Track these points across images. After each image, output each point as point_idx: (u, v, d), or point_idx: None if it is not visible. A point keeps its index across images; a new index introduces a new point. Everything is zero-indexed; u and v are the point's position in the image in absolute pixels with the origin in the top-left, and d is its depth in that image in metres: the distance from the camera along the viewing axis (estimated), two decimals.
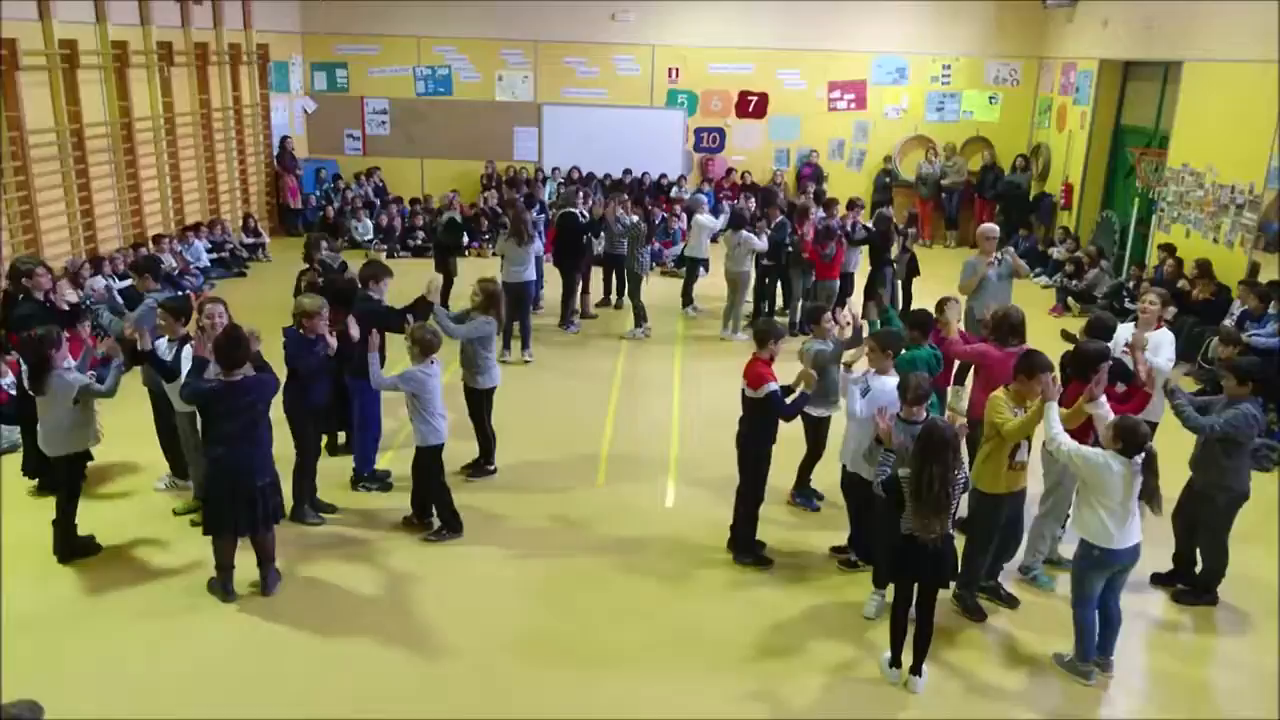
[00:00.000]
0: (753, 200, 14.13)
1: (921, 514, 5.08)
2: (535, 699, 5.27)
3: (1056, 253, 15.15)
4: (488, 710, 5.18)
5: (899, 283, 12.08)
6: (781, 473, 7.01)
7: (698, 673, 5.51)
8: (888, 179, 17.90)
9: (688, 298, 12.89)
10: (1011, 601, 6.24)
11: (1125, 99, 15.44)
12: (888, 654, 5.50)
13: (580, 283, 12.33)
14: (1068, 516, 6.43)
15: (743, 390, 6.45)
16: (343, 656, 5.56)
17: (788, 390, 6.41)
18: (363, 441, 7.65)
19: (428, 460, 6.76)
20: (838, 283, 11.65)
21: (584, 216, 12.01)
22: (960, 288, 9.30)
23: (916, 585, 5.32)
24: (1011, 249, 10.26)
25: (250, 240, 15.38)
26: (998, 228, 10.19)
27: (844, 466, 6.50)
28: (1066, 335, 10.84)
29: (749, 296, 12.19)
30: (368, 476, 7.63)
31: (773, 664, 5.60)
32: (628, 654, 5.67)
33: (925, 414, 5.65)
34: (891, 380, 6.14)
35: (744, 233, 11.54)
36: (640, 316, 11.94)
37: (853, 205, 12.65)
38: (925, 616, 5.35)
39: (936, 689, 5.43)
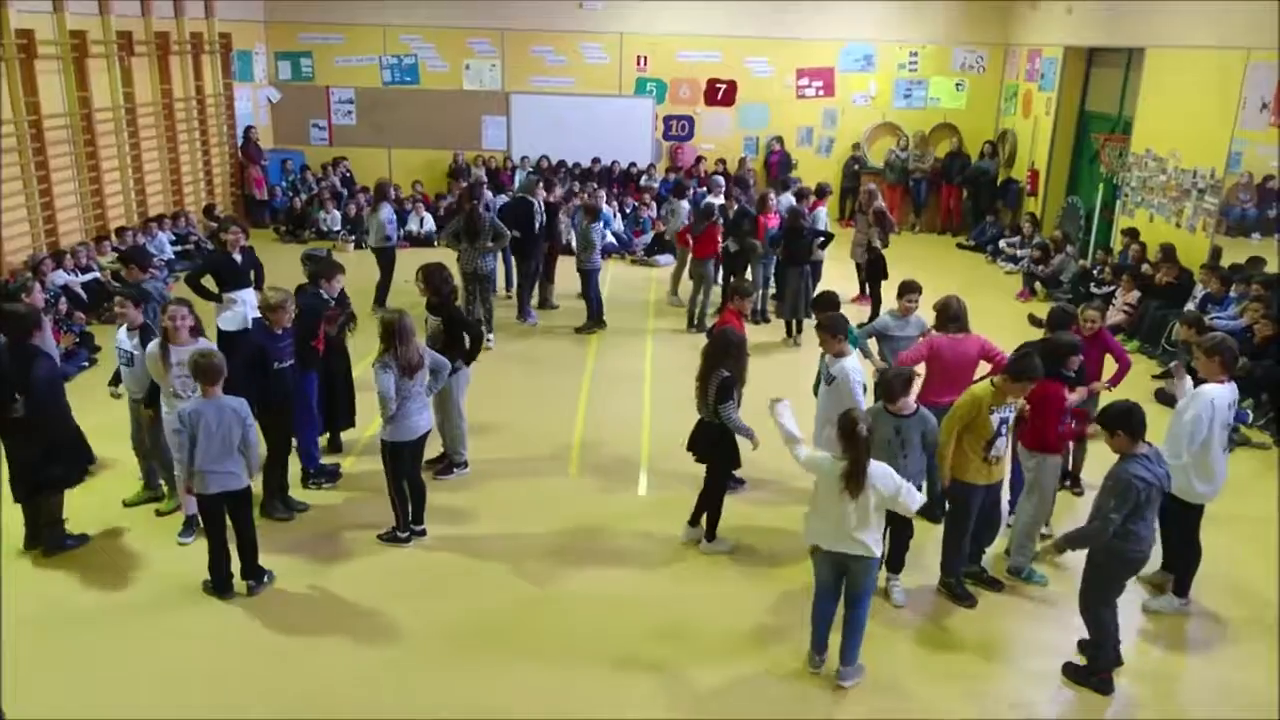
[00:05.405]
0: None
1: None
2: (512, 693, 5.26)
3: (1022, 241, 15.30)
4: (463, 706, 5.16)
5: (866, 284, 12.18)
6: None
7: (676, 664, 5.52)
8: (856, 166, 17.97)
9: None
10: (995, 585, 6.28)
11: (1089, 85, 15.60)
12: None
13: (538, 272, 11.92)
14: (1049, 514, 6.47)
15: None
16: (311, 653, 5.53)
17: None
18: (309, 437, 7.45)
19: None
20: (710, 262, 11.49)
21: (541, 206, 11.57)
22: None
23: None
24: None
25: None
26: None
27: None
28: (1034, 320, 10.92)
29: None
30: (315, 472, 7.45)
31: (754, 656, 5.60)
32: (606, 646, 5.66)
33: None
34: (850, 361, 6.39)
35: (683, 203, 12.31)
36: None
37: (821, 193, 12.66)
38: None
39: (938, 677, 5.49)
